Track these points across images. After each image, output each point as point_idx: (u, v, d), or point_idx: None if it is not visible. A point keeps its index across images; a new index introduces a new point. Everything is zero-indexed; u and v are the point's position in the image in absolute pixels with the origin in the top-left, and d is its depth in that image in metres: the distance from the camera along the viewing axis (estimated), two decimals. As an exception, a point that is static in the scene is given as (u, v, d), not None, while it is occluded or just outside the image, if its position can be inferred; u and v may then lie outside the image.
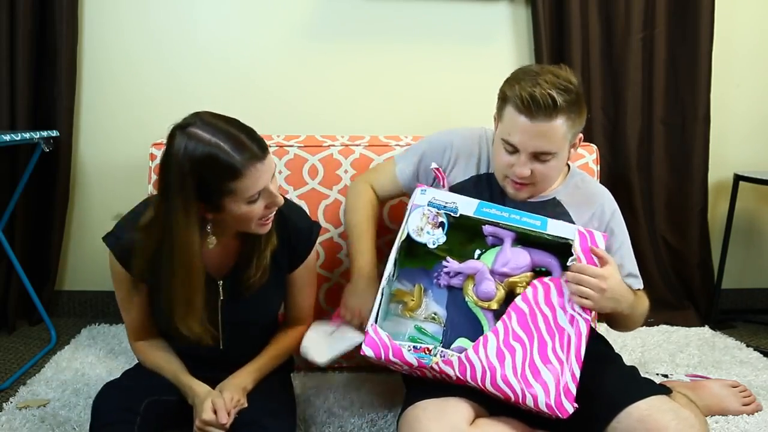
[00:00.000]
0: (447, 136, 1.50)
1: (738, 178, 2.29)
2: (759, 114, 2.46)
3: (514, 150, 1.28)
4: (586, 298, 1.21)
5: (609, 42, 2.30)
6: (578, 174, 1.47)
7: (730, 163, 2.42)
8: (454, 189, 1.43)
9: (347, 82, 2.29)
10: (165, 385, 1.31)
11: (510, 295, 1.28)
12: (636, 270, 1.43)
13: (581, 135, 1.34)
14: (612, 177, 2.28)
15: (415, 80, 2.30)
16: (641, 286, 1.43)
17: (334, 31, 2.27)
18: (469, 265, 1.30)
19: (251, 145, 1.15)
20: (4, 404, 1.61)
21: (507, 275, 1.28)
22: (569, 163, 1.45)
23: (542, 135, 1.24)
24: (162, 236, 1.17)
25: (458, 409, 1.20)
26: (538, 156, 1.27)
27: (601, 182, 1.64)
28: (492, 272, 1.29)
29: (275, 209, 1.24)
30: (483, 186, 1.42)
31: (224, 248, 1.30)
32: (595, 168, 1.85)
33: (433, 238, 1.31)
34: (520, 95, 1.23)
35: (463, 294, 1.31)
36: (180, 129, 1.15)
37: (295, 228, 1.36)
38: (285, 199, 1.36)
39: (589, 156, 1.84)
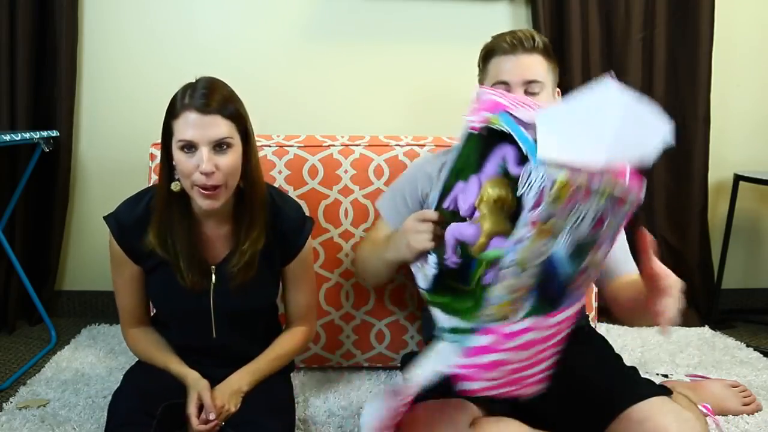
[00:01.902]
0: (412, 168, 1.57)
1: (738, 178, 2.29)
2: (759, 114, 2.46)
3: (505, 90, 1.33)
4: None
5: (609, 42, 2.30)
6: None
7: (730, 163, 2.42)
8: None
9: (347, 82, 2.29)
10: (182, 388, 1.30)
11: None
12: (629, 259, 1.37)
13: (559, 90, 1.45)
14: (612, 177, 2.28)
15: (415, 80, 2.30)
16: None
17: (334, 30, 2.27)
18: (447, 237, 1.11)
19: (199, 98, 1.22)
20: (4, 404, 1.61)
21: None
22: None
23: (527, 66, 1.36)
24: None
25: (458, 409, 1.20)
26: (527, 89, 1.36)
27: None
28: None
29: (207, 178, 1.21)
30: None
31: (218, 233, 1.34)
32: (595, 168, 1.84)
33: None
34: (503, 38, 1.38)
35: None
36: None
37: (287, 218, 1.38)
38: (281, 192, 1.43)
39: (589, 156, 1.84)
